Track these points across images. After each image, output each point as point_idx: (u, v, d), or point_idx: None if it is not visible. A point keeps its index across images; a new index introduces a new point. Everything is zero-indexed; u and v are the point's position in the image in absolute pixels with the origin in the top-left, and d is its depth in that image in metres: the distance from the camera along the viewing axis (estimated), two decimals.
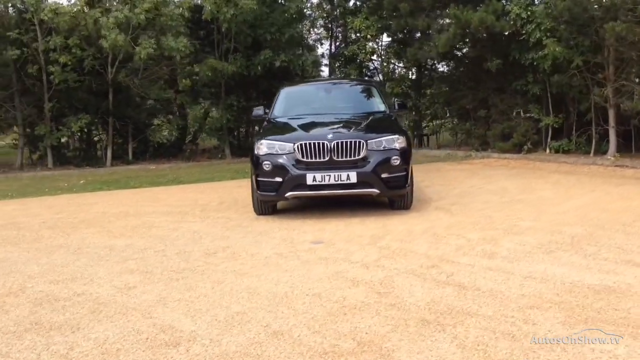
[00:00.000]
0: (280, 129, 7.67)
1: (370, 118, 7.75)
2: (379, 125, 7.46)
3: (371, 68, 19.06)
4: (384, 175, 6.79)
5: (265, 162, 6.89)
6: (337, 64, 18.77)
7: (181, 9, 14.15)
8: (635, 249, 5.06)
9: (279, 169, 6.81)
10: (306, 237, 6.10)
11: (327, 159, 6.75)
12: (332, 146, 6.74)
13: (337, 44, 18.96)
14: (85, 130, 16.49)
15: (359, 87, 9.27)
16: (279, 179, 6.83)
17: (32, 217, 7.97)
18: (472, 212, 7.09)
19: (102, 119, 16.49)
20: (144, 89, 15.97)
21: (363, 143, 6.78)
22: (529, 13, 12.39)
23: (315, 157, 6.76)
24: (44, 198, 10.17)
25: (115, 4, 14.85)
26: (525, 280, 4.31)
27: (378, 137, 6.93)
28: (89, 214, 8.06)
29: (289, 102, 8.52)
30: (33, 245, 6.25)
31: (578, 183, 9.29)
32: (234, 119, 17.47)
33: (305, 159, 6.78)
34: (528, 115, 14.04)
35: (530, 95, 13.82)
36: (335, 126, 7.34)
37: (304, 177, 6.72)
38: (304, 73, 16.77)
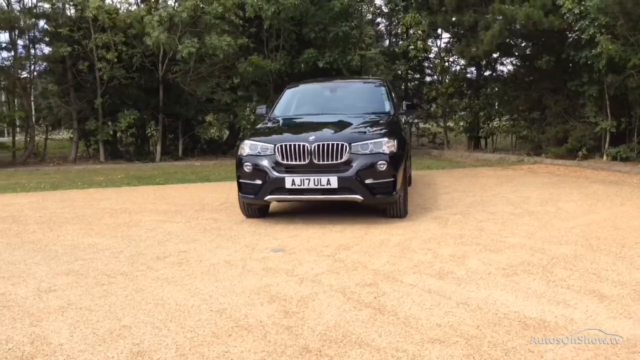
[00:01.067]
0: (270, 129, 7.39)
1: (368, 119, 7.32)
2: (372, 127, 7.00)
3: (429, 66, 18.41)
4: (368, 181, 6.35)
5: (247, 164, 6.64)
6: (397, 62, 18.15)
7: (224, 7, 14.07)
8: (613, 276, 4.39)
9: (259, 171, 6.53)
10: (272, 244, 5.79)
11: (307, 161, 6.40)
12: (312, 148, 6.38)
13: (394, 40, 18.38)
14: (137, 125, 16.88)
15: (367, 87, 8.81)
16: (259, 182, 6.55)
17: (36, 211, 8.11)
18: (468, 224, 6.51)
19: (153, 115, 16.85)
20: (192, 87, 16.13)
21: (345, 146, 6.36)
22: (582, 8, 11.39)
23: (295, 160, 6.43)
24: (68, 191, 10.39)
25: (160, 1, 15.05)
26: (456, 308, 3.80)
27: (364, 140, 6.50)
28: (89, 210, 8.10)
29: (292, 102, 8.23)
30: (8, 240, 6.29)
31: (614, 195, 8.40)
32: None
33: (285, 162, 6.46)
34: (584, 119, 12.98)
35: (586, 96, 12.76)
36: (326, 127, 6.96)
37: (282, 180, 6.41)
38: (365, 72, 16.34)
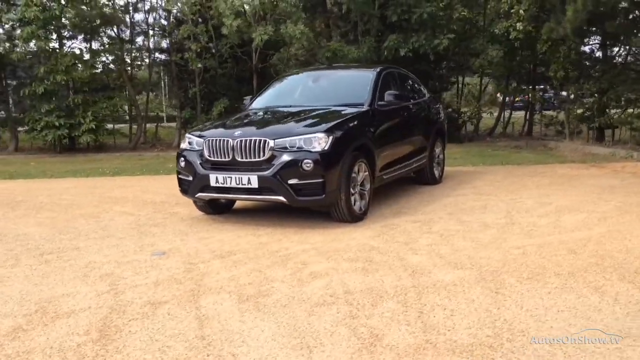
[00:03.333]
0: (222, 122, 7.04)
1: (328, 111, 6.66)
2: (318, 121, 6.30)
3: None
4: (291, 182, 5.72)
5: (182, 158, 6.37)
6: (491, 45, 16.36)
7: None
8: (433, 319, 3.43)
9: (190, 167, 6.23)
10: (171, 245, 5.47)
11: (230, 158, 5.96)
12: (235, 144, 5.91)
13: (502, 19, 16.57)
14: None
15: (352, 76, 7.88)
16: (190, 178, 6.27)
17: (49, 197, 8.56)
18: (408, 235, 5.61)
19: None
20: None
21: (267, 142, 5.80)
22: None
23: (220, 156, 6.03)
24: (114, 178, 10.93)
25: None
26: (177, 341, 3.21)
27: (293, 136, 5.86)
28: (86, 199, 8.37)
29: (273, 93, 7.80)
30: None
31: None
32: None
33: (211, 158, 6.09)
34: None
35: None
36: (271, 121, 6.48)
37: (208, 177, 6.04)
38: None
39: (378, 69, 7.52)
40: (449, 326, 3.33)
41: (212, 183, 6.01)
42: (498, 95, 20.06)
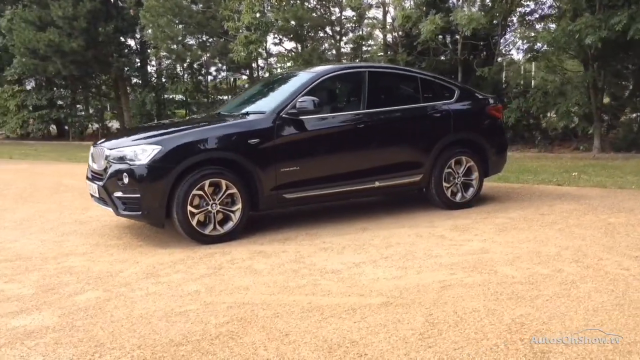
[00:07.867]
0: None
1: (218, 120, 6.27)
2: (162, 130, 5.93)
3: None
4: (117, 194, 5.49)
5: None
6: None
7: None
8: None
9: None
10: (16, 246, 5.82)
11: (91, 167, 6.05)
12: (92, 152, 6.02)
13: None
14: None
15: (290, 80, 6.60)
16: None
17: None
18: (174, 267, 4.87)
19: None
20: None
21: (105, 152, 5.68)
22: None
23: (91, 164, 6.13)
24: None
25: None
26: None
27: (122, 147, 5.62)
28: (69, 181, 9.27)
29: (236, 98, 7.38)
30: None
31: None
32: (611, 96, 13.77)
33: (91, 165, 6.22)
34: None
35: None
36: (148, 129, 6.34)
37: (89, 185, 6.21)
38: None
39: (318, 72, 6.40)
40: None
41: (90, 191, 6.14)
42: None
